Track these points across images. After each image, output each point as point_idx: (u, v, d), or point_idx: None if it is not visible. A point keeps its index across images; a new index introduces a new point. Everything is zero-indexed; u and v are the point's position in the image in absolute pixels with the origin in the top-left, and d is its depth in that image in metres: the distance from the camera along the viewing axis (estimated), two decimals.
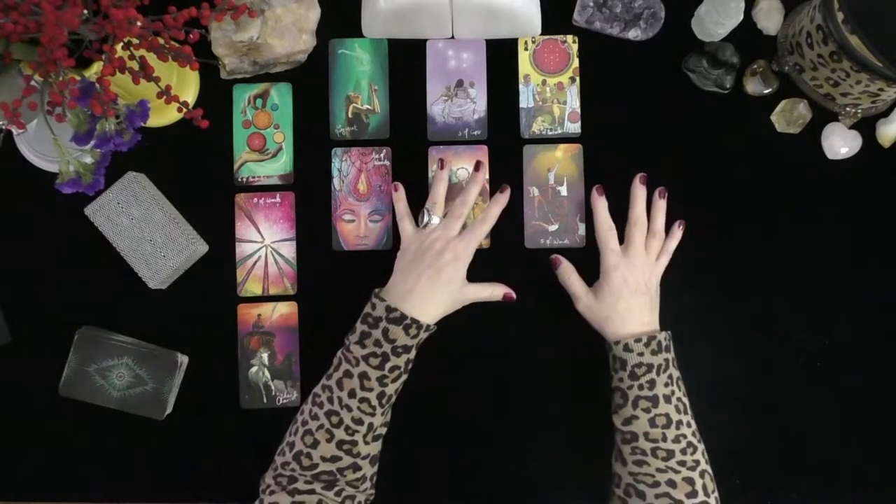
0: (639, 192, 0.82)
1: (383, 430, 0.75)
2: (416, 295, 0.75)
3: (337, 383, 0.73)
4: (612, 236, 0.80)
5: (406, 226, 0.81)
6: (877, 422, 0.86)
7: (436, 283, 0.76)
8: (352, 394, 0.72)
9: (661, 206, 0.82)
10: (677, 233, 0.82)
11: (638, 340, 0.74)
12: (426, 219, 0.80)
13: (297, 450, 0.72)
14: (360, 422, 0.72)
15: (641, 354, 0.74)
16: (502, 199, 0.83)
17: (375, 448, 0.74)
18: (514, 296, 0.81)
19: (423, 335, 0.75)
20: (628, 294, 0.77)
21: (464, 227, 0.80)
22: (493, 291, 0.81)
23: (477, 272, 0.82)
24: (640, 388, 0.73)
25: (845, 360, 0.86)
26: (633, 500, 0.71)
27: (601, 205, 0.81)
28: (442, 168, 0.84)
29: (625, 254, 0.79)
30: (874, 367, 0.86)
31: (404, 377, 0.75)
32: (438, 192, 0.82)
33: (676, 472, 0.71)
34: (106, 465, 0.86)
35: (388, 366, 0.73)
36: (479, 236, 0.79)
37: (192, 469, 0.86)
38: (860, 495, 0.86)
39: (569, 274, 0.81)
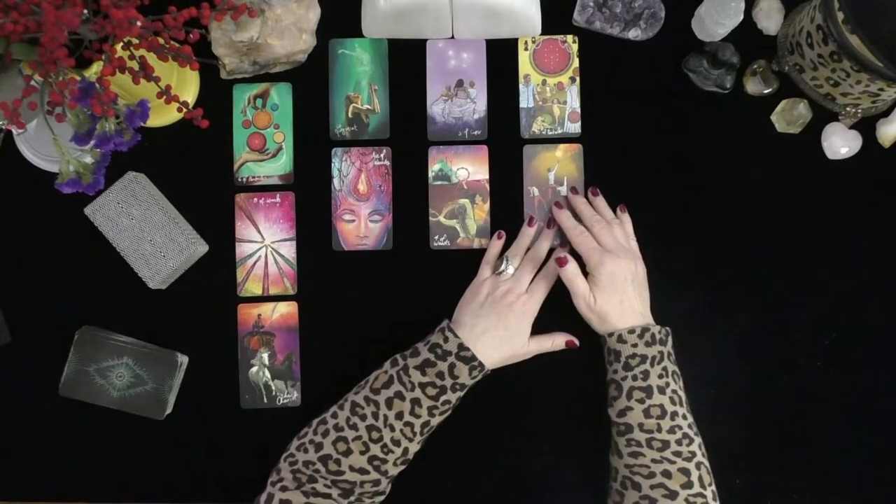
0: (577, 199, 0.85)
1: (411, 458, 0.76)
2: (485, 341, 0.77)
3: (386, 402, 0.74)
4: (587, 236, 0.81)
5: (485, 270, 0.83)
6: (877, 422, 0.86)
7: (504, 335, 0.78)
8: (399, 416, 0.74)
9: (600, 200, 0.85)
10: (626, 216, 0.85)
11: (631, 332, 0.75)
12: (503, 267, 0.82)
13: (326, 453, 0.73)
14: (398, 443, 0.74)
15: (635, 346, 0.75)
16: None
17: (399, 471, 0.76)
18: (577, 342, 0.82)
19: (479, 377, 0.77)
20: (620, 286, 0.77)
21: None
22: (555, 341, 0.82)
23: (476, 271, 0.83)
24: (634, 378, 0.74)
25: (845, 360, 0.86)
26: (630, 493, 0.72)
27: (566, 214, 0.84)
28: (530, 225, 0.85)
29: (604, 250, 0.80)
30: (874, 367, 0.86)
31: (449, 413, 0.77)
32: (522, 245, 0.84)
33: (672, 462, 0.71)
34: (106, 465, 0.86)
35: (442, 398, 0.75)
36: (544, 292, 0.81)
37: (192, 469, 0.86)
38: (860, 495, 0.86)
39: (575, 275, 0.79)
